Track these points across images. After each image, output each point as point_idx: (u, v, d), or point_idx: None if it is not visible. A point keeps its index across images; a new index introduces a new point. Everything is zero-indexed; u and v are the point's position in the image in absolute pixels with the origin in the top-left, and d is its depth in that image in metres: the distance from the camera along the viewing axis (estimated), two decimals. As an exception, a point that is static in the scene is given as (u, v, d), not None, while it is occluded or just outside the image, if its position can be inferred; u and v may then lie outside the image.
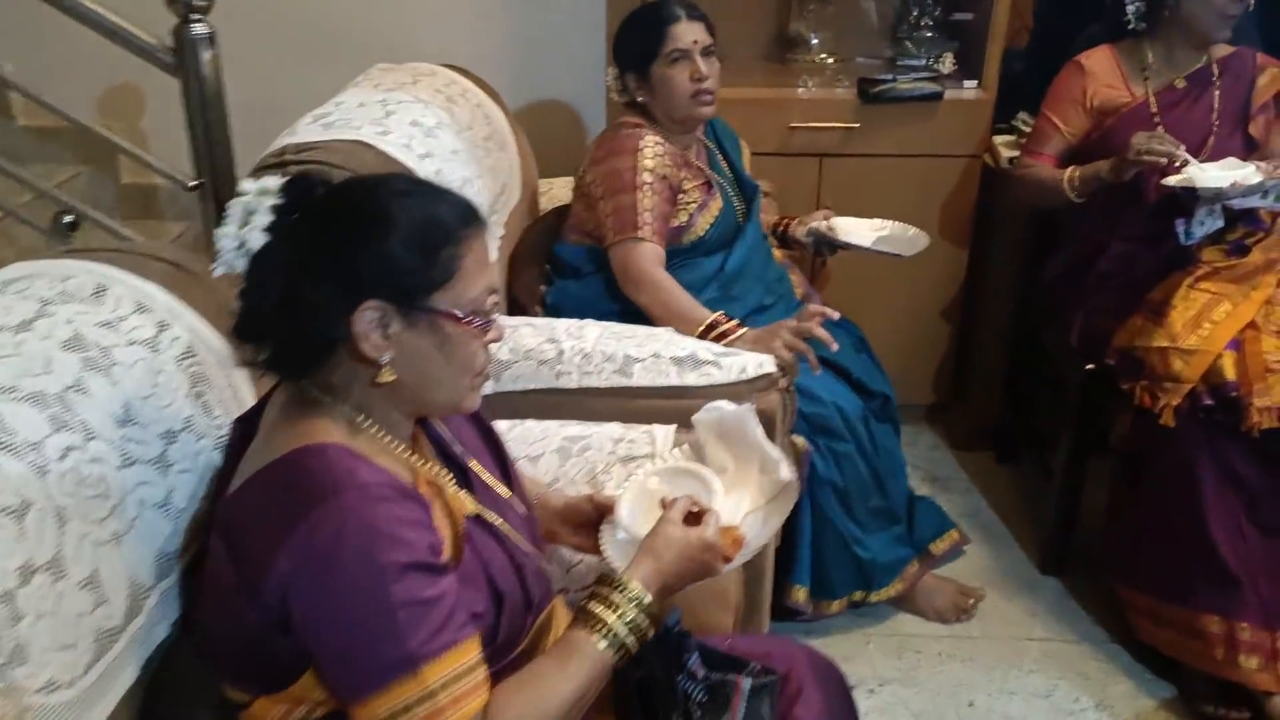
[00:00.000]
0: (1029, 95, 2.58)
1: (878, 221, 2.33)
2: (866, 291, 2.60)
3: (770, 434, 1.78)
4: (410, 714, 0.99)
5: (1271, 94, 2.20)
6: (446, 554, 1.10)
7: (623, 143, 2.08)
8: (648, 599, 1.16)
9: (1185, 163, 2.04)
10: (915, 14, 2.88)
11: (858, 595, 2.15)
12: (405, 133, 1.97)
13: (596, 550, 1.34)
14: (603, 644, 1.12)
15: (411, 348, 1.08)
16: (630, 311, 2.07)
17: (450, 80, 2.34)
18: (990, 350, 2.74)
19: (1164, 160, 2.02)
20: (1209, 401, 1.96)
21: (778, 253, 2.31)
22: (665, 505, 1.27)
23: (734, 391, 1.78)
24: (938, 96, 2.58)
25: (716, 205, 2.16)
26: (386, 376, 1.08)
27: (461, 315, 1.08)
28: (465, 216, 1.10)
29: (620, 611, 1.14)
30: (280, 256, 1.06)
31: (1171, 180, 2.04)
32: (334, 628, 1.00)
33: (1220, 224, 2.08)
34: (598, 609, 1.14)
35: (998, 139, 2.67)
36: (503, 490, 1.27)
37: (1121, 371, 2.11)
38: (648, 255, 2.03)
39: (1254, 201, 2.01)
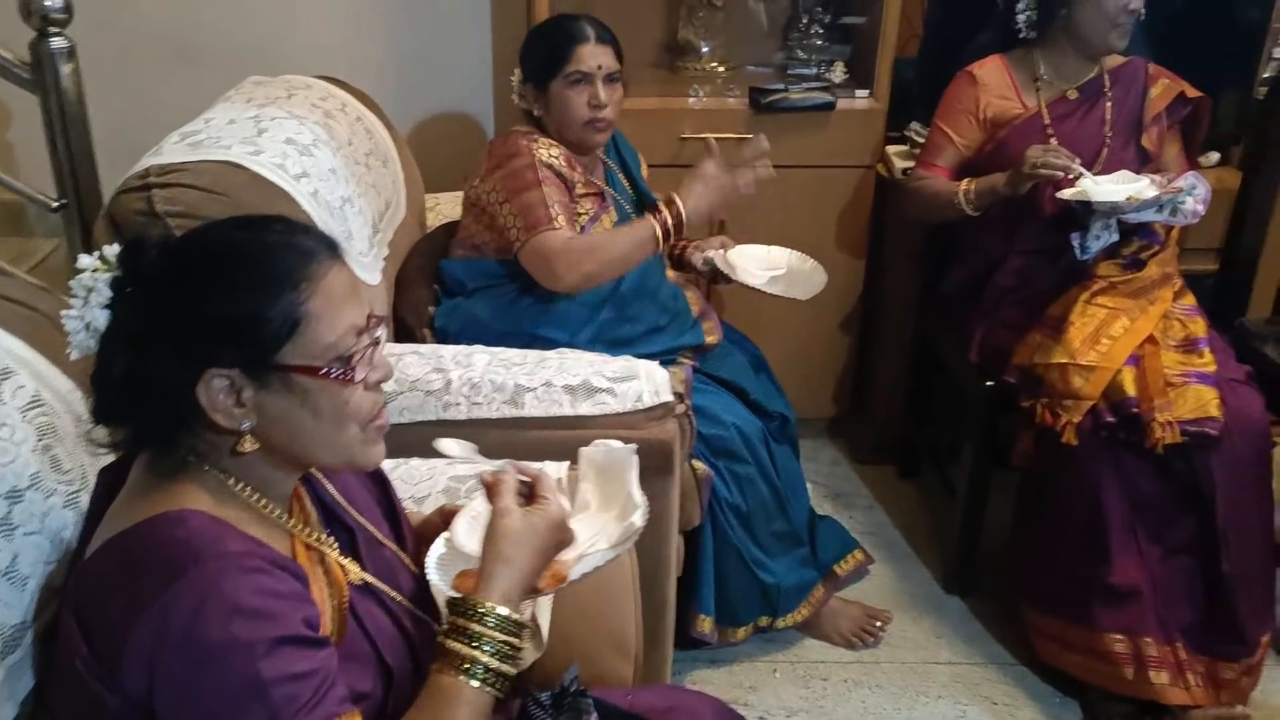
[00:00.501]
0: (921, 104, 2.58)
1: (776, 253, 2.27)
2: (763, 304, 2.53)
3: (669, 465, 1.73)
4: None
5: (1164, 105, 2.21)
6: (327, 628, 1.01)
7: (516, 144, 2.02)
8: (511, 615, 1.05)
9: (1080, 175, 2.03)
10: (805, 20, 2.85)
11: (764, 621, 2.10)
12: (279, 151, 1.84)
13: None
14: (474, 683, 1.02)
15: (272, 411, 0.98)
16: (520, 331, 1.99)
17: (327, 93, 2.21)
18: (890, 363, 2.73)
19: (1060, 173, 2.02)
20: (1110, 419, 1.95)
21: (670, 272, 2.24)
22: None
23: (630, 420, 1.72)
24: (830, 106, 2.56)
25: (610, 220, 2.09)
26: (247, 446, 0.99)
27: (319, 366, 0.98)
28: (307, 252, 1.00)
29: (482, 641, 1.03)
30: (122, 332, 0.97)
31: (1067, 193, 2.03)
32: (199, 710, 0.91)
33: (1115, 238, 2.09)
34: (458, 646, 1.03)
35: (891, 149, 2.66)
36: (394, 550, 1.18)
37: (1022, 389, 2.09)
38: (566, 236, 1.94)
39: (1149, 215, 2.01)
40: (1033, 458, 2.10)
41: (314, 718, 0.92)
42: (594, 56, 2.01)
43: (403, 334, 2.07)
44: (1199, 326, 2.09)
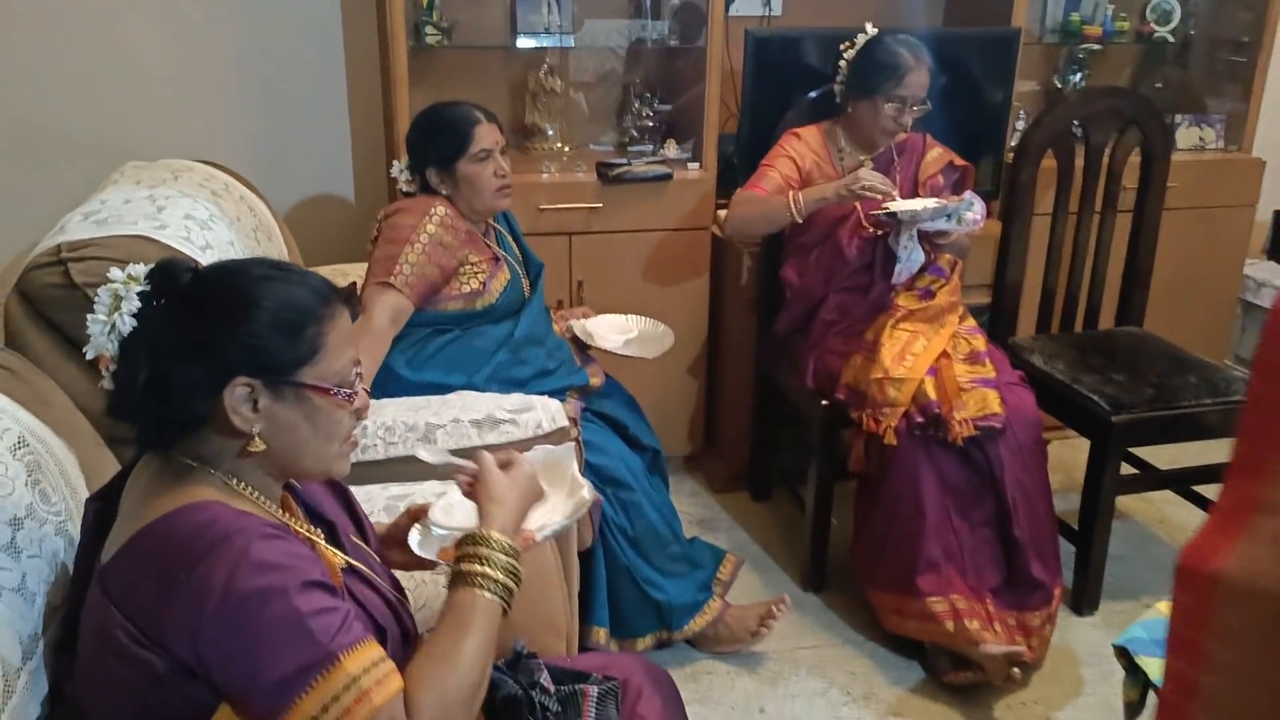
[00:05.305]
0: (744, 173, 2.95)
1: (631, 320, 2.58)
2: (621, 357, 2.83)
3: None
4: (339, 703, 1.05)
5: (937, 170, 2.66)
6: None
7: (415, 204, 2.23)
8: (509, 541, 1.25)
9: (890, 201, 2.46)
10: (637, 104, 3.21)
11: (662, 635, 2.33)
12: (181, 226, 1.99)
13: (417, 562, 1.43)
14: (489, 594, 1.20)
15: (281, 420, 1.16)
16: (428, 381, 2.17)
17: (209, 175, 2.37)
18: (736, 400, 3.06)
19: (879, 196, 2.41)
20: (920, 419, 2.33)
21: (557, 326, 2.49)
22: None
23: (531, 445, 1.94)
24: (668, 177, 2.91)
25: (504, 276, 2.31)
26: (257, 447, 1.16)
27: (329, 388, 1.17)
28: (325, 295, 1.20)
29: (492, 561, 1.21)
30: (148, 340, 1.13)
31: (878, 211, 2.46)
32: (248, 653, 1.05)
33: (922, 259, 2.52)
34: (473, 567, 1.21)
35: (722, 213, 3.01)
36: (364, 546, 1.37)
37: (850, 403, 2.45)
38: (389, 304, 2.13)
39: (941, 223, 2.45)
40: (864, 461, 2.46)
41: (349, 636, 1.08)
42: (490, 134, 2.27)
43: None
44: (980, 342, 2.51)
